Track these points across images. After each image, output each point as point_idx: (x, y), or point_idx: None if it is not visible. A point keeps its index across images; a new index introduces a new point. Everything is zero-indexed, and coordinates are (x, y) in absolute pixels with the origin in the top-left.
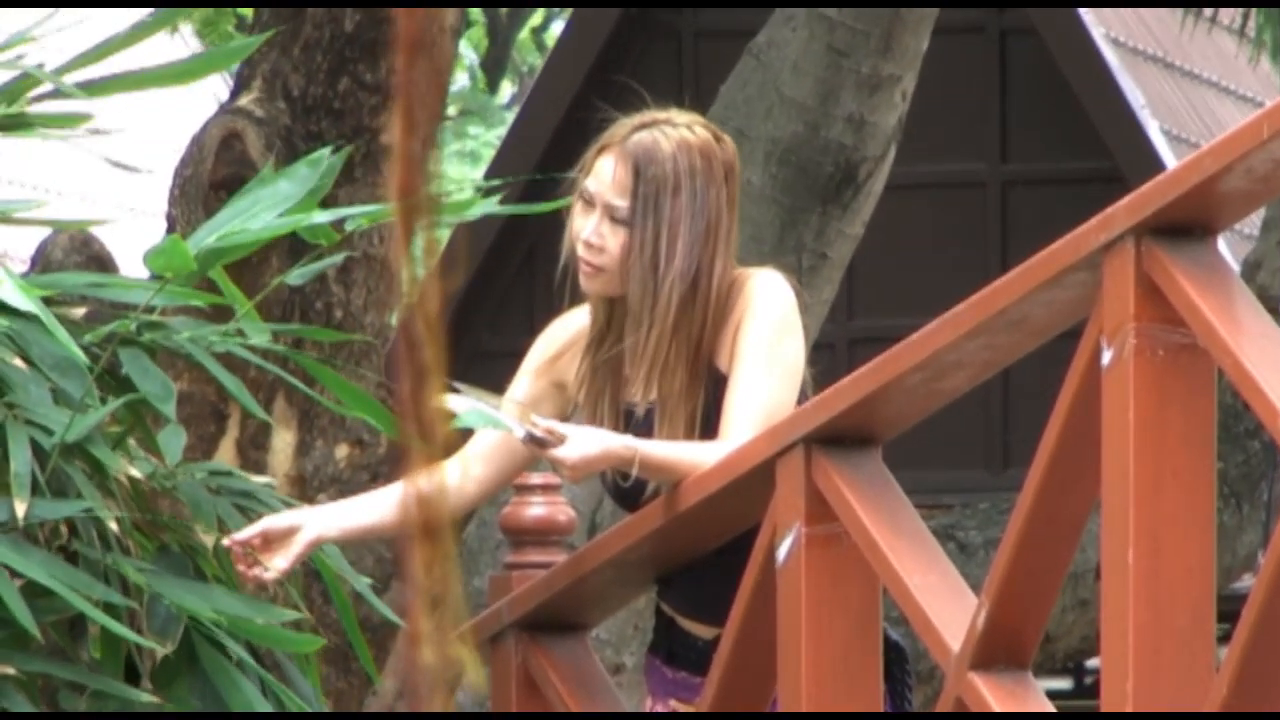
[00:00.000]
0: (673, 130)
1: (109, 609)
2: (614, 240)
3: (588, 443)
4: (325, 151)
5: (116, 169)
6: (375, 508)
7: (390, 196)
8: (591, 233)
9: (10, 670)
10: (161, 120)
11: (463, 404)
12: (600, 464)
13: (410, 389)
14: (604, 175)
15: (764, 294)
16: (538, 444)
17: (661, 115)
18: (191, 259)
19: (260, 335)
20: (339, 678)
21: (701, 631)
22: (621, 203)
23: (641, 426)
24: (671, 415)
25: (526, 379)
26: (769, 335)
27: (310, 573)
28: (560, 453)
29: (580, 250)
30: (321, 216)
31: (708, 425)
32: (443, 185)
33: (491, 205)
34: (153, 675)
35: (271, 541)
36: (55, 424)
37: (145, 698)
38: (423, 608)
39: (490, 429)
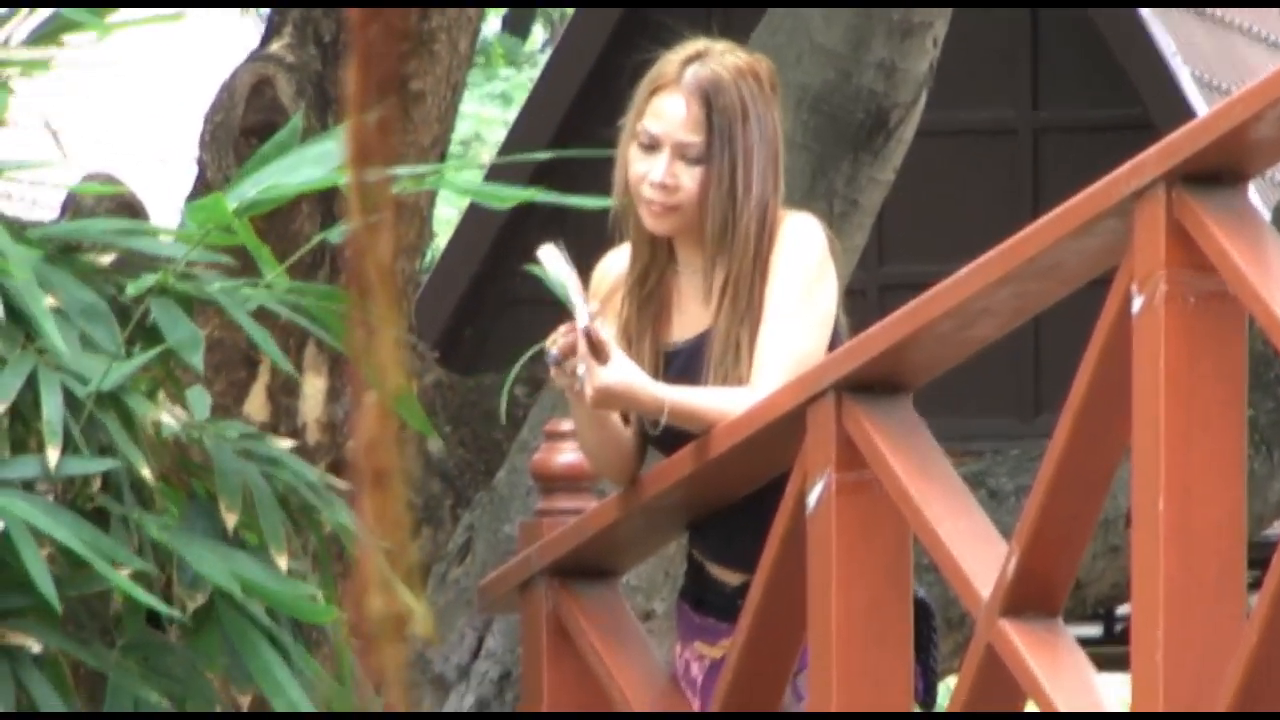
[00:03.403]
0: (723, 59)
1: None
2: (689, 178)
3: (626, 372)
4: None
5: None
6: (623, 427)
7: (344, 154)
8: (665, 174)
9: (35, 646)
10: (191, 66)
11: (556, 265)
12: (625, 402)
13: (362, 339)
14: (670, 115)
15: (797, 239)
16: (591, 345)
17: (702, 47)
18: (230, 214)
19: (280, 281)
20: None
21: (729, 578)
22: (696, 139)
23: (679, 365)
24: (733, 350)
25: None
26: (801, 281)
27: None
28: (600, 369)
29: (649, 193)
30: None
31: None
32: (398, 145)
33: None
34: (183, 626)
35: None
36: (87, 371)
37: (154, 697)
38: (373, 556)
39: (563, 293)
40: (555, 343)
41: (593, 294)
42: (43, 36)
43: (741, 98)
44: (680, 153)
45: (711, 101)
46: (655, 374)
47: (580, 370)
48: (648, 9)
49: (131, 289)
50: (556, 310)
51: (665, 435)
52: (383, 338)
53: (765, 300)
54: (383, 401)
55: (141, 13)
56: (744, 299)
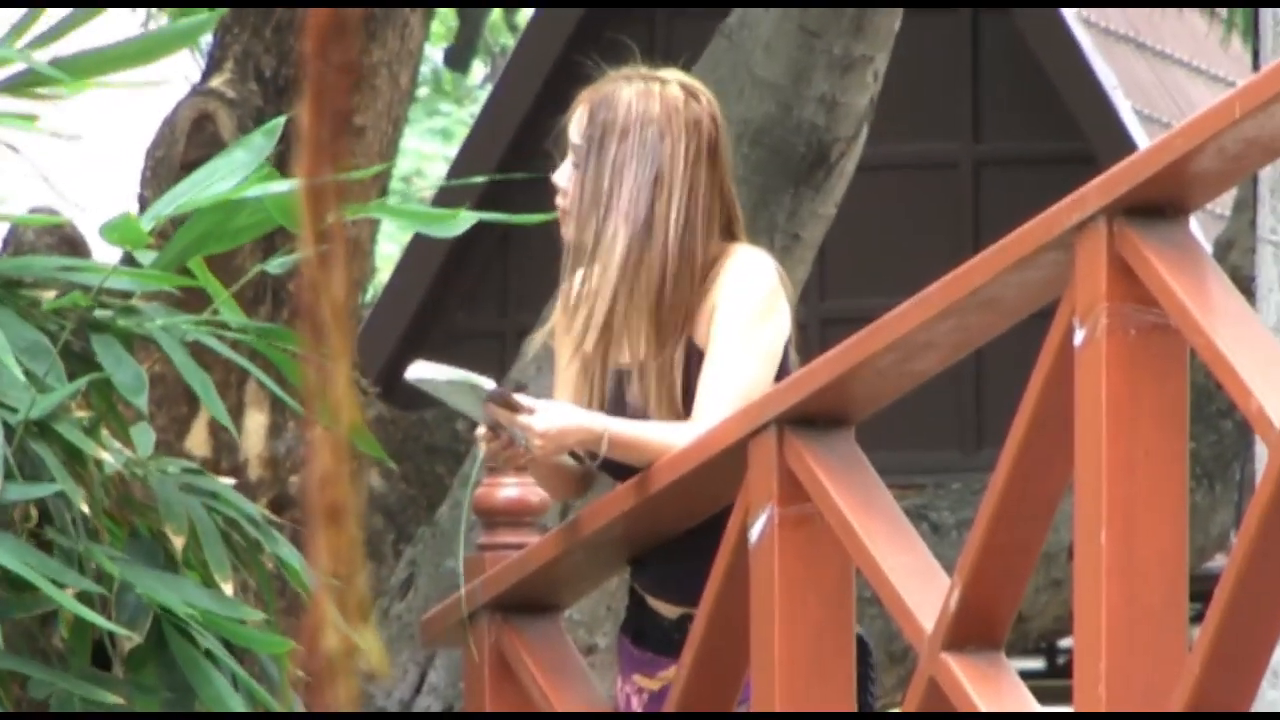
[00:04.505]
0: (643, 83)
1: (80, 595)
2: (570, 182)
3: (558, 415)
4: (280, 120)
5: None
6: (572, 469)
7: (298, 184)
8: (558, 173)
9: None
10: (131, 102)
11: (428, 370)
12: (570, 438)
13: (316, 374)
14: (572, 120)
15: (743, 272)
16: (506, 405)
17: (647, 70)
18: (144, 234)
19: (234, 314)
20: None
21: (667, 610)
22: (578, 142)
23: (622, 394)
24: (643, 381)
25: (564, 358)
26: (747, 315)
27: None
28: (531, 419)
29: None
30: (278, 186)
31: (689, 402)
32: (348, 173)
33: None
34: (124, 661)
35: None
36: (27, 407)
37: (111, 698)
38: (326, 592)
39: (456, 397)
40: (480, 451)
41: (557, 323)
42: (15, 87)
43: (627, 115)
44: (569, 154)
45: (593, 112)
46: (604, 397)
47: (518, 436)
48: (590, 43)
49: (48, 304)
50: (499, 342)
51: (613, 462)
52: (336, 373)
53: (710, 334)
54: (336, 437)
55: (123, 76)
56: (618, 319)
